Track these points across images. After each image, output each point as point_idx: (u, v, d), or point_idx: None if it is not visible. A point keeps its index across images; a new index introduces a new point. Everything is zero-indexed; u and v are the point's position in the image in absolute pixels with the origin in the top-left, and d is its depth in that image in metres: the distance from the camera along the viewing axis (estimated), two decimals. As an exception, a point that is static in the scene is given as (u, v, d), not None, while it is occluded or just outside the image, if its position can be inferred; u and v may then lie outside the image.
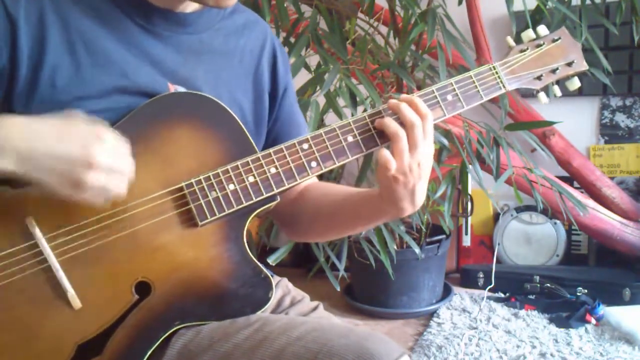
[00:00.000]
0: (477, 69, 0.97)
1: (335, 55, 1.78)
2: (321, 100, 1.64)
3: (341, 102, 1.70)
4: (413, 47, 2.05)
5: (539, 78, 1.01)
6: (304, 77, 1.70)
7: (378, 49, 2.00)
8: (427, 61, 1.89)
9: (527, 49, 1.01)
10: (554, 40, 1.02)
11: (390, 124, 0.88)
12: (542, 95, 1.04)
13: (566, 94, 1.18)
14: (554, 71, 1.01)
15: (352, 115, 1.76)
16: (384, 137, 0.90)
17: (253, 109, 0.99)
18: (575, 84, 1.04)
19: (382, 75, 2.07)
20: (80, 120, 0.75)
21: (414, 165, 0.86)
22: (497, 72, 0.97)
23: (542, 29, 1.03)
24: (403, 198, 0.88)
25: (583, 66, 1.03)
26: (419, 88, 1.94)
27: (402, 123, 0.87)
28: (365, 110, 1.90)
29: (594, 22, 2.09)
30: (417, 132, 0.87)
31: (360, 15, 2.10)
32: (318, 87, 1.68)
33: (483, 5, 2.41)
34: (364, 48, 1.86)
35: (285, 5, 1.78)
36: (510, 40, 1.02)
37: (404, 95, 0.90)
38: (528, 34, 1.02)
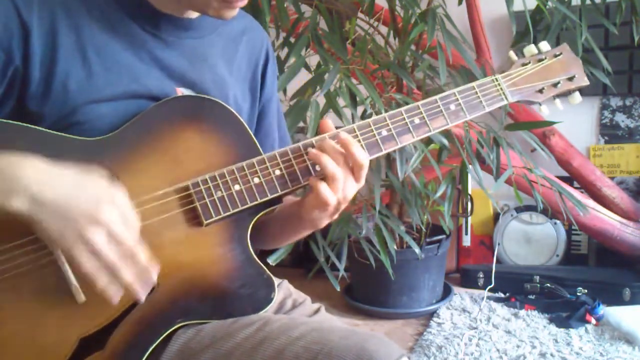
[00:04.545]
0: (480, 80, 1.00)
1: (335, 55, 1.78)
2: (321, 100, 1.64)
3: (341, 102, 1.69)
4: (413, 47, 2.05)
5: (540, 91, 1.03)
6: (304, 77, 1.70)
7: (378, 49, 2.00)
8: (427, 61, 1.89)
9: (529, 62, 1.03)
10: (555, 56, 1.05)
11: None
12: (544, 107, 1.06)
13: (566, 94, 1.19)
14: (555, 85, 1.04)
15: (352, 115, 1.77)
16: (387, 144, 0.92)
17: (249, 115, 1.02)
18: (576, 98, 1.07)
19: (382, 75, 2.06)
20: (99, 177, 0.74)
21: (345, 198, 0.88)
22: (499, 84, 1.00)
23: (544, 45, 1.05)
24: (324, 220, 0.92)
25: (584, 81, 1.06)
26: (419, 88, 1.95)
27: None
28: (365, 111, 1.90)
29: (594, 22, 2.09)
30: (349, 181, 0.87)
31: (360, 15, 2.09)
32: (318, 87, 1.68)
33: (483, 5, 2.42)
34: (364, 48, 1.86)
35: (285, 5, 1.78)
36: (512, 55, 1.04)
37: (343, 135, 0.88)
38: (530, 49, 1.05)
